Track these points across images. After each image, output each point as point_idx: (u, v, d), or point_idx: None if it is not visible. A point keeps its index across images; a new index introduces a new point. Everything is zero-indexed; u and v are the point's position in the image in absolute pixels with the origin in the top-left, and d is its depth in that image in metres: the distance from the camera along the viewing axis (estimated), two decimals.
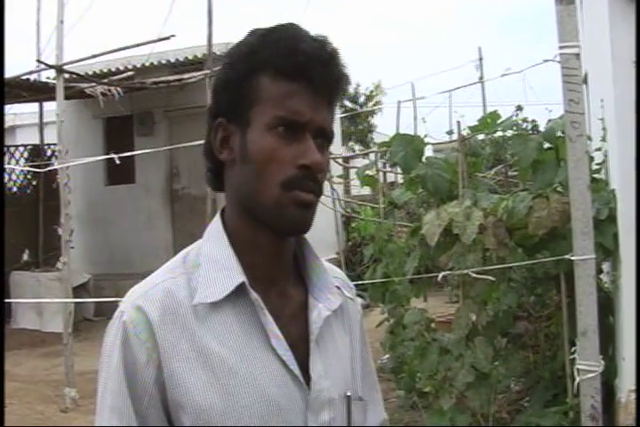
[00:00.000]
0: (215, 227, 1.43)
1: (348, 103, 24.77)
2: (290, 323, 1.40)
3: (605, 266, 5.02)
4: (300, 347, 1.39)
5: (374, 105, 25.09)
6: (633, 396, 4.10)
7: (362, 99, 25.98)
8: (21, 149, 14.51)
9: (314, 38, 1.35)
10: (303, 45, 1.32)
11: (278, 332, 1.35)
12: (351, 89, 24.78)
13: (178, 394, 1.29)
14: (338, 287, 1.52)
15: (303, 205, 1.34)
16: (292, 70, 1.32)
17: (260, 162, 1.34)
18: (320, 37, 1.37)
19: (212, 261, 1.38)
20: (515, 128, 5.47)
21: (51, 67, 9.12)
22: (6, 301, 10.41)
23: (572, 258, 3.82)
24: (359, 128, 24.87)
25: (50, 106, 13.35)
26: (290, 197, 1.33)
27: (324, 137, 1.38)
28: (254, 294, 1.34)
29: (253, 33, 1.39)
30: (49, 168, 11.05)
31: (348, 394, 1.44)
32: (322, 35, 1.38)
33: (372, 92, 26.18)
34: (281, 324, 1.37)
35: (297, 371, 1.35)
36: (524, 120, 13.45)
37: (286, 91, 1.33)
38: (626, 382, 4.24)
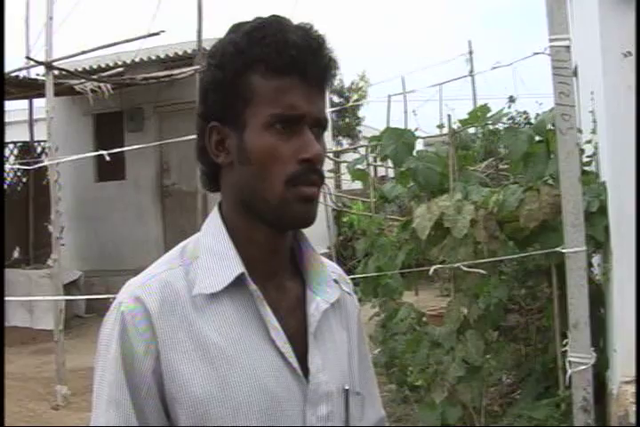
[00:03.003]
0: (213, 220, 1.43)
1: (334, 97, 24.70)
2: (288, 316, 1.39)
3: (596, 258, 5.03)
4: (298, 340, 1.38)
5: (360, 96, 25.04)
6: (624, 387, 4.11)
7: (348, 92, 25.92)
8: (11, 146, 14.45)
9: (300, 28, 1.34)
10: (292, 38, 1.30)
11: (277, 324, 1.35)
12: (337, 82, 24.77)
13: (176, 385, 1.28)
14: (335, 281, 1.52)
15: (308, 199, 1.34)
16: (283, 65, 1.30)
17: (261, 162, 1.33)
18: (305, 26, 1.36)
19: (211, 252, 1.37)
20: (507, 120, 5.47)
21: (40, 63, 9.08)
22: None
23: (563, 250, 3.83)
24: (346, 121, 24.83)
25: (39, 102, 13.30)
26: (295, 193, 1.33)
27: (320, 126, 1.37)
28: (253, 285, 1.34)
29: (236, 30, 1.37)
30: (39, 165, 11.00)
31: (346, 388, 1.44)
32: (306, 23, 1.37)
33: (354, 83, 26.12)
34: (279, 317, 1.36)
35: (295, 364, 1.35)
36: (521, 114, 13.43)
37: (279, 87, 1.32)
38: (617, 374, 4.25)
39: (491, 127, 5.91)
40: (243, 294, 1.35)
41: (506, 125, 5.47)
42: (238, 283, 1.34)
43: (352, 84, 25.82)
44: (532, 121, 12.50)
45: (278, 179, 1.32)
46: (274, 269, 1.42)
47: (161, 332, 1.30)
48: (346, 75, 25.73)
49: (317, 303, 1.43)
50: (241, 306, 1.35)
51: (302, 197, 1.33)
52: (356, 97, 24.60)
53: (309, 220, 1.37)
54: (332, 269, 1.58)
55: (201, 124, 1.41)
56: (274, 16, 1.37)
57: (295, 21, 1.37)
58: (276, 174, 1.32)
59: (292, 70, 1.31)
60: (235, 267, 1.34)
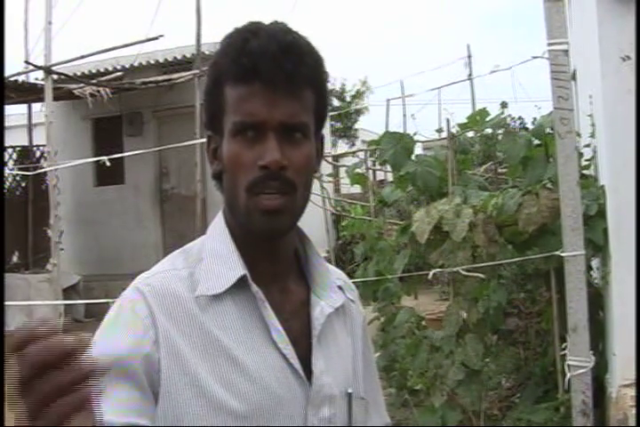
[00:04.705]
0: (218, 223, 1.44)
1: (335, 101, 24.75)
2: (291, 319, 1.40)
3: (595, 262, 5.03)
4: (302, 343, 1.39)
5: (357, 100, 25.10)
6: (624, 391, 4.11)
7: (349, 97, 25.97)
8: (10, 150, 14.45)
9: (267, 33, 1.33)
10: (250, 45, 1.30)
11: (279, 325, 1.35)
12: (337, 87, 24.85)
13: (178, 370, 1.28)
14: (340, 288, 1.53)
15: (268, 211, 1.33)
16: (242, 73, 1.31)
17: (228, 169, 1.35)
18: (276, 30, 1.35)
19: (215, 255, 1.38)
20: (503, 125, 5.48)
21: (39, 68, 9.10)
22: None
23: (562, 254, 3.83)
24: (345, 124, 24.86)
25: (38, 107, 13.32)
26: (255, 202, 1.32)
27: (297, 130, 1.35)
28: (255, 287, 1.35)
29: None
30: (39, 171, 11.02)
31: (350, 391, 1.44)
32: (284, 27, 1.37)
33: (358, 90, 26.18)
34: (282, 319, 1.37)
35: (297, 365, 1.35)
36: (516, 119, 13.44)
37: (241, 94, 1.33)
38: (616, 378, 4.25)
39: (489, 131, 5.91)
40: (245, 295, 1.36)
41: (504, 130, 5.46)
42: (241, 285, 1.35)
43: (353, 86, 25.87)
44: (528, 126, 12.49)
45: (241, 187, 1.33)
46: (276, 271, 1.43)
47: (161, 322, 1.29)
48: (342, 78, 25.84)
49: (322, 307, 1.43)
50: (243, 308, 1.35)
51: (262, 208, 1.32)
52: (355, 101, 24.66)
53: (273, 231, 1.36)
54: (337, 275, 1.59)
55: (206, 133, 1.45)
56: (251, 23, 1.38)
57: (281, 26, 1.37)
58: (240, 182, 1.33)
59: (251, 77, 1.31)
60: (237, 269, 1.35)
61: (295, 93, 1.34)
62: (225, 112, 1.36)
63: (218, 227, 1.44)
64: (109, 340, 1.29)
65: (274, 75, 1.30)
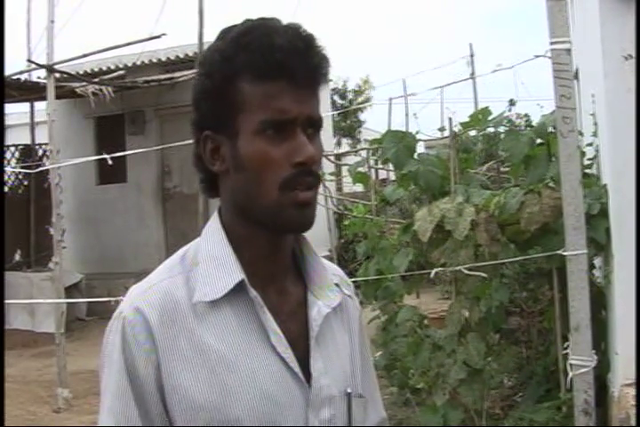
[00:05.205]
0: (213, 225, 1.42)
1: (337, 99, 24.74)
2: (289, 320, 1.39)
3: (597, 261, 5.03)
4: (300, 344, 1.38)
5: (363, 100, 25.03)
6: (626, 390, 4.11)
7: (351, 95, 25.92)
8: (12, 148, 14.45)
9: (287, 30, 1.32)
10: (277, 41, 1.29)
11: (278, 329, 1.35)
12: (340, 84, 24.83)
13: (177, 393, 1.29)
14: (337, 285, 1.51)
15: (303, 204, 1.33)
16: (270, 70, 1.30)
17: (254, 168, 1.32)
18: (292, 27, 1.34)
19: (211, 258, 1.37)
20: (506, 122, 5.47)
21: (41, 66, 9.09)
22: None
23: (564, 253, 3.83)
24: (348, 123, 24.81)
25: (40, 105, 13.31)
26: (289, 198, 1.32)
27: (314, 126, 1.36)
28: (253, 292, 1.34)
29: (224, 36, 1.37)
30: (40, 169, 11.02)
31: (349, 391, 1.44)
32: (294, 23, 1.36)
33: (360, 87, 26.14)
34: (280, 321, 1.36)
35: (297, 368, 1.35)
36: (519, 116, 13.40)
37: (268, 92, 1.31)
38: (619, 377, 4.25)
39: (492, 130, 5.90)
40: (243, 300, 1.35)
41: (506, 128, 5.45)
42: (238, 289, 1.34)
43: (356, 85, 25.84)
44: (534, 124, 12.45)
45: (273, 184, 1.32)
46: (274, 272, 1.42)
47: (161, 341, 1.30)
48: (346, 75, 25.84)
49: (319, 307, 1.42)
50: (241, 312, 1.35)
51: (297, 202, 1.33)
52: (360, 100, 24.64)
53: (306, 224, 1.37)
54: (334, 271, 1.58)
55: (196, 133, 1.41)
56: (261, 19, 1.36)
57: (289, 22, 1.36)
58: (271, 180, 1.32)
59: (279, 74, 1.30)
60: (234, 274, 1.34)
61: (314, 89, 1.36)
62: (240, 110, 1.33)
63: (213, 229, 1.42)
64: (116, 376, 1.31)
65: (301, 71, 1.30)
